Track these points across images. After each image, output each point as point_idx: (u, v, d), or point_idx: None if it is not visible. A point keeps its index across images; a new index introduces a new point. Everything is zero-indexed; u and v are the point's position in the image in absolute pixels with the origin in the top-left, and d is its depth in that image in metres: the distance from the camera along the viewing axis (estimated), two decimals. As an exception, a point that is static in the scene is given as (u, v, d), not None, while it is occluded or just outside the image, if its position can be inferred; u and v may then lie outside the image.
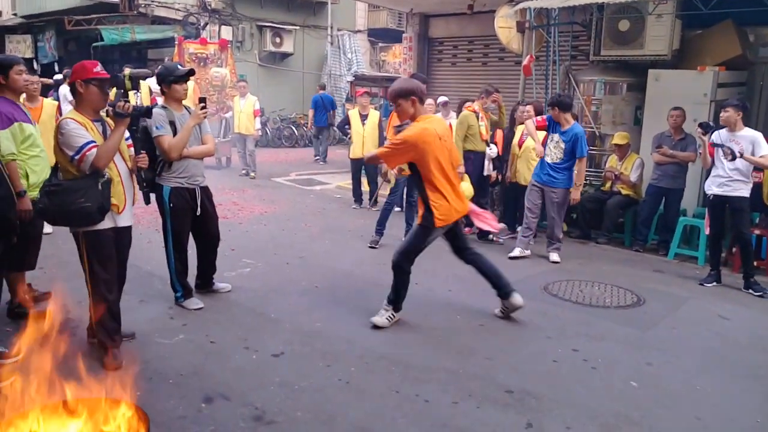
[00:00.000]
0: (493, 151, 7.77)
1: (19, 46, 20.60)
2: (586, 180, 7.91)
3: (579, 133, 6.69)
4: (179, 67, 4.95)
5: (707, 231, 6.52)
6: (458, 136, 7.42)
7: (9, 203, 3.67)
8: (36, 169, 4.56)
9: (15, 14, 20.13)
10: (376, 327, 4.72)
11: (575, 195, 6.86)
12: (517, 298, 5.00)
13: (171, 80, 4.78)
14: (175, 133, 4.71)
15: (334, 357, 4.25)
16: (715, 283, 6.22)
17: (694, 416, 3.67)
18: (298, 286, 5.64)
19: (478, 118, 7.57)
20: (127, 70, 4.13)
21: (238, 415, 3.47)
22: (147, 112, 4.12)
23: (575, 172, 6.80)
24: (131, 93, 4.75)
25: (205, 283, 5.37)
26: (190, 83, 11.51)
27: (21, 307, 4.71)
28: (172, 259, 4.98)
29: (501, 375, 4.07)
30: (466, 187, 7.18)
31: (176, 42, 13.54)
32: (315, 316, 4.79)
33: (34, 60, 19.99)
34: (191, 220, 4.98)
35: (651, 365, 4.34)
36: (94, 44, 16.30)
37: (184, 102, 4.93)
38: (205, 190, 5.05)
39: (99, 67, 3.85)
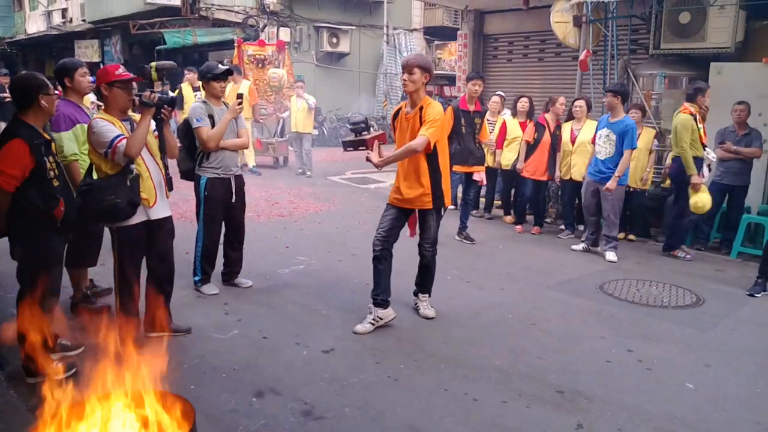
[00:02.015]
0: (711, 155, 7.01)
1: (87, 51, 21.41)
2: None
3: (630, 125, 6.60)
4: (219, 66, 5.21)
5: None
6: (686, 143, 6.56)
7: (67, 202, 3.82)
8: None
9: (84, 20, 20.92)
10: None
11: (610, 184, 6.66)
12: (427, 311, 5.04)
13: (209, 77, 5.09)
14: (213, 126, 5.03)
15: (383, 354, 4.28)
16: (763, 293, 5.74)
17: (753, 420, 3.55)
18: (350, 284, 5.70)
19: (696, 121, 6.68)
20: (153, 63, 4.29)
21: (288, 409, 3.53)
22: (171, 101, 4.26)
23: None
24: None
25: (229, 276, 5.56)
26: (246, 83, 11.83)
27: (83, 301, 4.90)
28: (200, 244, 5.24)
29: (552, 375, 4.02)
30: (708, 200, 6.51)
31: (236, 44, 13.81)
32: (366, 312, 4.82)
33: (101, 64, 20.72)
34: (226, 210, 5.26)
35: (709, 367, 4.22)
36: (158, 47, 16.77)
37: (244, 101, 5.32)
38: (239, 179, 5.32)
39: (121, 69, 4.01)
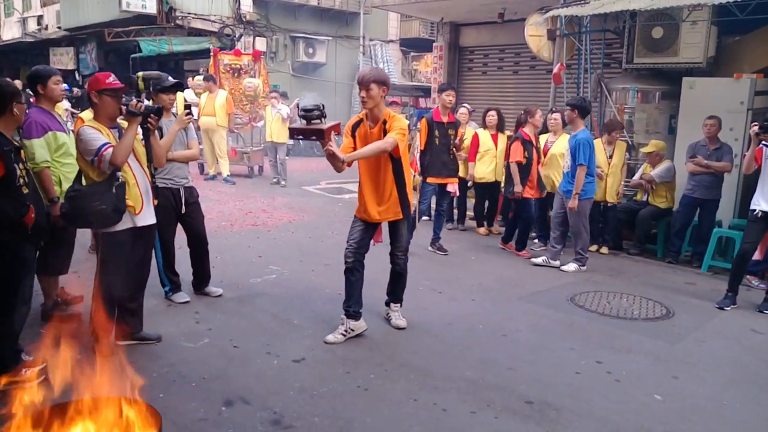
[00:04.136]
0: None
1: (62, 58, 21.19)
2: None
3: (580, 139, 6.63)
4: (169, 78, 5.16)
5: (759, 255, 6.02)
6: None
7: (37, 210, 3.75)
8: (69, 176, 4.68)
9: (59, 27, 20.70)
10: None
11: (571, 203, 6.70)
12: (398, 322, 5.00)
13: (158, 89, 5.05)
14: (161, 137, 4.95)
15: (354, 364, 4.26)
16: (732, 306, 5.81)
17: None
18: (322, 293, 5.67)
19: None
20: (140, 72, 4.28)
21: (256, 419, 3.50)
22: (158, 110, 4.28)
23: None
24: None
25: (199, 285, 5.53)
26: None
27: (54, 309, 4.85)
28: (159, 254, 5.19)
29: (522, 386, 4.02)
30: None
31: (212, 53, 13.76)
32: (338, 323, 4.79)
33: (76, 71, 20.52)
34: (177, 219, 5.24)
35: (677, 379, 4.25)
36: (133, 55, 16.65)
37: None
38: (190, 190, 5.29)
39: (112, 78, 4.04)
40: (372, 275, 4.97)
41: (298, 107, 12.39)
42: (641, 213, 7.68)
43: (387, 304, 5.10)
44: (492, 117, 8.38)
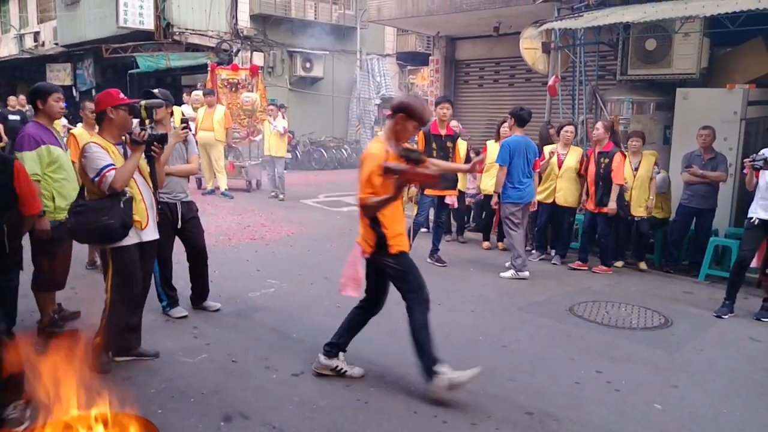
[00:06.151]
0: None
1: (59, 74, 21.27)
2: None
3: (503, 142, 7.06)
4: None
5: (756, 263, 6.09)
6: None
7: None
8: (63, 192, 4.70)
9: (57, 44, 20.80)
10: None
11: (492, 201, 7.20)
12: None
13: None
14: None
15: (353, 377, 4.24)
16: (730, 315, 5.81)
17: (719, 440, 3.59)
18: (321, 306, 5.67)
19: None
20: (142, 101, 4.28)
21: (256, 433, 3.49)
22: (162, 138, 4.25)
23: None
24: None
25: (197, 300, 5.53)
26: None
27: (50, 326, 4.80)
28: (156, 269, 5.15)
29: (521, 396, 4.03)
30: None
31: (209, 68, 13.82)
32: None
33: (73, 87, 20.59)
34: (174, 234, 5.24)
35: (677, 388, 4.25)
36: (130, 71, 16.73)
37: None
38: (188, 205, 5.30)
39: (122, 94, 4.09)
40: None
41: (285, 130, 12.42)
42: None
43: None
44: (506, 129, 8.08)
